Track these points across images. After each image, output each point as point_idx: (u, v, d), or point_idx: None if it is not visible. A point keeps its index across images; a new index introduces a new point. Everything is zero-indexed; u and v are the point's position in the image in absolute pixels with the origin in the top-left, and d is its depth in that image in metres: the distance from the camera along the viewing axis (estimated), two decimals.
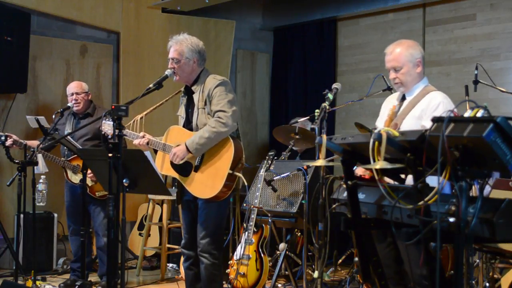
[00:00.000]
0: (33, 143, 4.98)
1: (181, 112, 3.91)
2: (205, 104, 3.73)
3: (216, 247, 3.76)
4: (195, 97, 3.79)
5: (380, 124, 3.54)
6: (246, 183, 3.80)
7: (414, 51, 3.43)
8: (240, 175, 3.71)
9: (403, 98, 3.46)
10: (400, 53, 3.41)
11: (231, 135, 3.71)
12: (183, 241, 3.94)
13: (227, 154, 3.66)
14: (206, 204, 3.74)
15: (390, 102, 3.57)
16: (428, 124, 3.18)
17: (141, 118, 3.98)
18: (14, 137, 4.86)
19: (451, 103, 3.36)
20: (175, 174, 3.79)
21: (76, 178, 5.02)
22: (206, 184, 3.68)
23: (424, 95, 3.37)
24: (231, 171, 3.65)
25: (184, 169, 3.76)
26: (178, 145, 3.73)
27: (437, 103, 3.31)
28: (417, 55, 3.42)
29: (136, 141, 3.84)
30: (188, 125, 3.82)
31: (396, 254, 3.33)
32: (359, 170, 3.15)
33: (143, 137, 3.83)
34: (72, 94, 5.14)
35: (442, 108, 3.28)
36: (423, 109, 3.31)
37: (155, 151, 3.91)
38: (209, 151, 3.70)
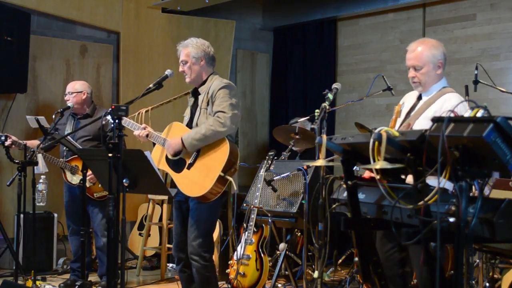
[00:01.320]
0: (33, 143, 4.98)
1: (187, 113, 3.93)
2: (208, 104, 3.73)
3: (207, 249, 3.75)
4: (200, 98, 3.81)
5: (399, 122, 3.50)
6: (236, 188, 3.76)
7: (436, 51, 3.37)
8: (231, 179, 3.68)
9: (419, 97, 3.43)
10: (422, 52, 3.35)
11: (229, 139, 3.70)
12: (173, 243, 3.93)
13: (222, 156, 3.65)
14: (198, 205, 3.73)
15: (408, 99, 3.53)
16: None
17: (147, 111, 3.99)
18: (13, 137, 4.86)
19: (465, 105, 3.27)
20: (168, 169, 3.80)
21: (74, 179, 5.01)
22: (196, 182, 3.68)
23: (440, 96, 3.33)
24: (222, 174, 3.64)
25: (178, 165, 3.77)
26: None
27: (451, 105, 3.24)
28: (439, 56, 3.37)
29: (136, 132, 3.84)
30: (191, 125, 3.83)
31: (400, 257, 3.33)
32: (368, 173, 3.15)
33: (144, 128, 3.83)
34: (66, 94, 5.14)
35: (456, 110, 3.23)
36: (436, 110, 3.26)
37: (154, 145, 3.91)
38: (204, 151, 3.70)
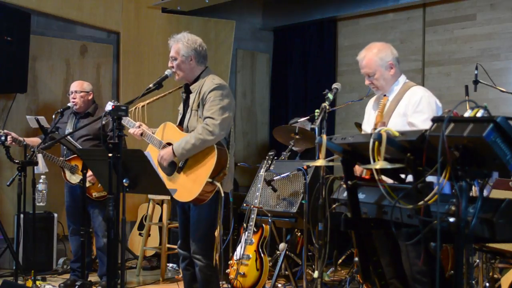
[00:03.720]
0: (33, 140, 4.99)
1: (181, 108, 3.92)
2: (198, 106, 3.71)
3: (208, 248, 3.75)
4: (191, 97, 3.77)
5: (368, 127, 3.56)
6: (223, 194, 3.72)
7: (384, 54, 3.45)
8: (218, 184, 3.64)
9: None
10: (371, 59, 3.45)
11: (219, 142, 3.67)
12: (179, 241, 3.94)
13: (209, 163, 3.63)
14: (197, 205, 3.74)
15: (372, 104, 3.61)
16: (413, 120, 3.28)
17: (143, 106, 3.96)
18: (13, 134, 4.86)
19: (432, 96, 3.42)
20: (160, 171, 3.79)
21: (74, 178, 5.01)
22: (185, 187, 3.68)
23: (405, 91, 3.42)
24: (210, 180, 3.62)
25: (169, 167, 3.76)
26: (165, 147, 3.75)
27: (419, 97, 3.36)
28: (388, 57, 3.45)
29: (131, 130, 3.84)
30: (182, 124, 3.82)
31: (392, 245, 3.33)
32: (357, 169, 3.16)
33: (139, 127, 3.83)
34: (72, 93, 5.15)
35: (425, 102, 3.34)
36: (406, 104, 3.36)
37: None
38: (193, 156, 3.69)
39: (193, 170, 3.69)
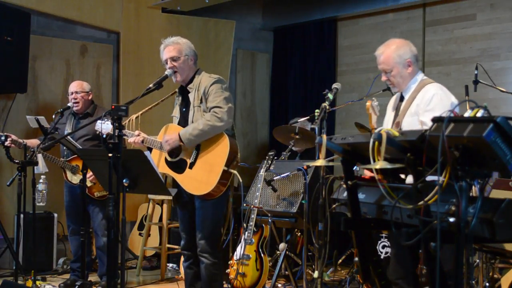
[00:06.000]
0: (33, 142, 4.99)
1: (175, 112, 3.93)
2: (201, 102, 3.75)
3: (215, 246, 3.78)
4: (191, 96, 3.80)
5: (385, 124, 3.54)
6: (241, 180, 3.79)
7: (403, 52, 3.40)
8: (235, 172, 3.72)
9: (402, 97, 3.48)
10: (389, 55, 3.40)
11: (226, 133, 3.71)
12: (182, 242, 3.95)
13: (223, 151, 3.67)
14: (203, 203, 3.75)
15: (392, 104, 3.58)
16: (424, 119, 3.22)
17: (137, 117, 4.00)
18: (13, 137, 4.86)
19: (447, 93, 3.35)
20: (169, 172, 3.80)
21: (75, 179, 5.01)
22: (200, 180, 3.69)
23: (420, 89, 3.37)
24: (226, 168, 3.66)
25: (179, 166, 3.78)
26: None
27: (431, 95, 3.30)
28: (406, 55, 3.40)
29: (131, 139, 3.84)
30: (184, 123, 3.83)
31: (413, 255, 3.32)
32: (367, 172, 3.15)
33: (138, 135, 3.84)
34: (72, 93, 5.15)
35: (436, 100, 3.27)
36: (418, 104, 3.32)
37: (150, 150, 3.91)
38: (204, 148, 3.72)
39: (206, 161, 3.71)
